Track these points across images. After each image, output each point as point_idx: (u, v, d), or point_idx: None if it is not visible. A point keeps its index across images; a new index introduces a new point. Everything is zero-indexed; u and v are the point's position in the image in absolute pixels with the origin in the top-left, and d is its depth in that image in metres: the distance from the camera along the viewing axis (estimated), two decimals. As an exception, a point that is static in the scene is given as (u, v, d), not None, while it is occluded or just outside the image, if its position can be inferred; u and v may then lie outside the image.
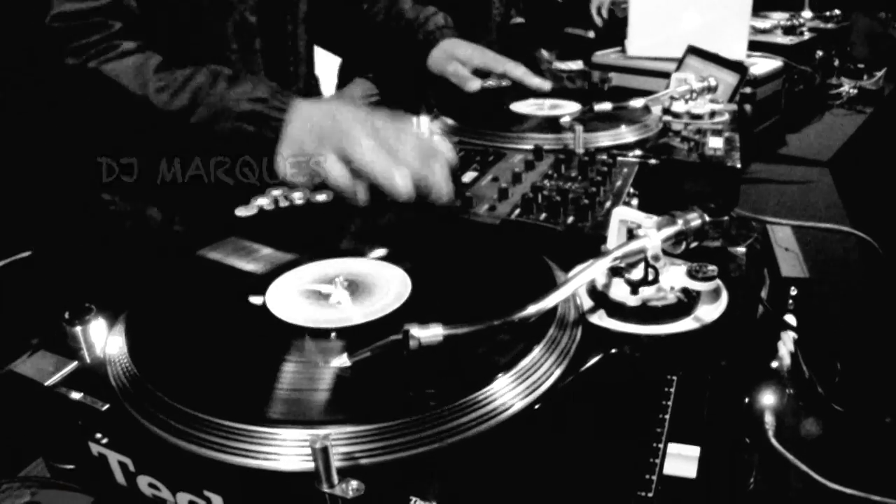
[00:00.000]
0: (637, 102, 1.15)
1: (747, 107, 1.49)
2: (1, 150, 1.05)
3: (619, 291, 0.62)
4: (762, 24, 2.07)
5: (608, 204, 0.84)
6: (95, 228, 1.08)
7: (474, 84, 1.41)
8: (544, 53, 3.76)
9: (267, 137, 0.87)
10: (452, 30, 1.46)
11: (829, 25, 2.19)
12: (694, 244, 0.61)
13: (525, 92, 1.36)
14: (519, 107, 1.25)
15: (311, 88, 1.32)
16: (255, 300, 0.62)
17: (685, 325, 0.60)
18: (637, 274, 0.61)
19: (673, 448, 0.47)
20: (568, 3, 3.74)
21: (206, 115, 0.88)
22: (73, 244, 1.08)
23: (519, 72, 1.37)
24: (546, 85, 1.36)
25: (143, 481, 0.51)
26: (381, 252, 0.70)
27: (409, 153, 0.81)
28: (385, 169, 0.78)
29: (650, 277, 0.61)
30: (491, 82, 1.49)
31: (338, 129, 0.83)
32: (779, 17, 2.18)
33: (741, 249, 0.72)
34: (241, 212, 0.85)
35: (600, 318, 0.62)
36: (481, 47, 1.43)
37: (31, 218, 1.11)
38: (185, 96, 0.88)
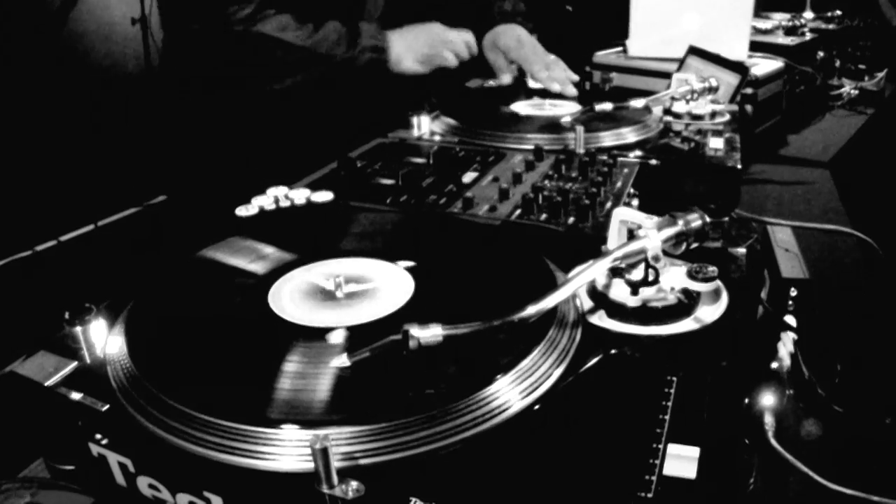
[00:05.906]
0: (638, 103, 1.15)
1: (748, 107, 1.49)
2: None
3: (620, 292, 0.62)
4: (763, 24, 2.07)
5: (608, 204, 0.84)
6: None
7: (505, 78, 1.47)
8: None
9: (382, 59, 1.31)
10: (514, 16, 1.51)
11: (831, 26, 2.19)
12: (694, 245, 0.61)
13: (523, 91, 1.36)
14: (519, 107, 1.25)
15: None
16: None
17: (685, 325, 0.60)
18: (637, 274, 0.61)
19: (673, 448, 0.47)
20: (576, 10, 3.72)
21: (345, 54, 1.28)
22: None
23: (543, 75, 1.37)
24: (571, 90, 1.34)
25: (143, 482, 0.51)
26: (383, 252, 0.70)
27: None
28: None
29: (650, 278, 0.61)
30: (491, 82, 1.49)
31: (426, 33, 1.33)
32: (780, 18, 2.18)
33: (741, 250, 0.72)
34: (242, 212, 0.85)
35: (600, 319, 0.62)
36: (527, 40, 1.45)
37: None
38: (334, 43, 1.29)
